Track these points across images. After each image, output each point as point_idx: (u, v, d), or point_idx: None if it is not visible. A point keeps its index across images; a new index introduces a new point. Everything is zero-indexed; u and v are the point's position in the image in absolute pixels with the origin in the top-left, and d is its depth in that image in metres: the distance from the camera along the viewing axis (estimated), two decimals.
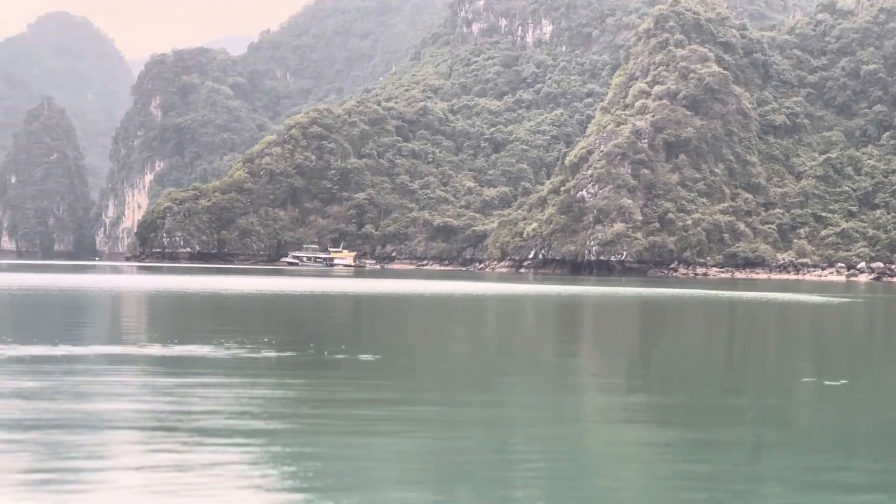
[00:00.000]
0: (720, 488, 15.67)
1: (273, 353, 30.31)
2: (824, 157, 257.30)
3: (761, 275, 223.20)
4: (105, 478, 14.93)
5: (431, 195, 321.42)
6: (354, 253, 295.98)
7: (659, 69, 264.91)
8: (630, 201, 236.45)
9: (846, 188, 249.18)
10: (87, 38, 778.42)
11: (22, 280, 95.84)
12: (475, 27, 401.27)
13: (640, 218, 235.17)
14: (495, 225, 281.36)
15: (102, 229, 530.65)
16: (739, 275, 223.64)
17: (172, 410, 19.60)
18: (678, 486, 15.72)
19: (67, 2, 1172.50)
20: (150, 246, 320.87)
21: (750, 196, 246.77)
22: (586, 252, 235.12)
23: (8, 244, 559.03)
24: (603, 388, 25.30)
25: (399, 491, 14.86)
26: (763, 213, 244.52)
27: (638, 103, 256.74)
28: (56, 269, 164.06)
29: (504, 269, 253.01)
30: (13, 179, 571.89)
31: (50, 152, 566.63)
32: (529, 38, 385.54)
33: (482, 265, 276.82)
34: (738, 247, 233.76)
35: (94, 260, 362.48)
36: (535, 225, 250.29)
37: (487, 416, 19.87)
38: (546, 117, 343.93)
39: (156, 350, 30.64)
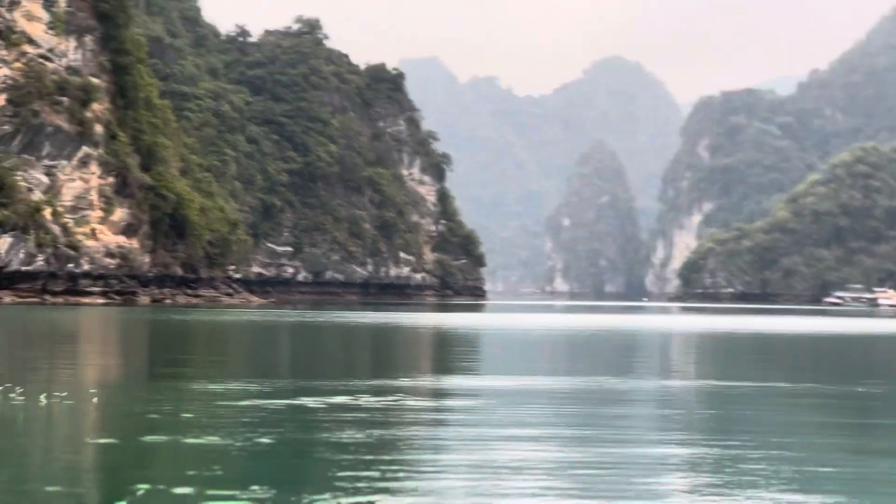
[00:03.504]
0: None
1: None
2: None
3: None
4: None
5: None
6: None
7: None
8: None
9: None
10: (639, 81, 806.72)
11: (580, 321, 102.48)
12: None
13: None
14: None
15: (652, 270, 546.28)
16: None
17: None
18: None
19: (622, 47, 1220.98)
20: (693, 286, 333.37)
21: None
22: None
23: (561, 285, 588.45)
24: None
25: None
26: None
27: None
28: (607, 309, 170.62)
29: None
30: (566, 222, 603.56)
31: (601, 194, 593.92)
32: None
33: None
34: None
35: (643, 301, 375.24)
36: None
37: None
38: None
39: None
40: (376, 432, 20.70)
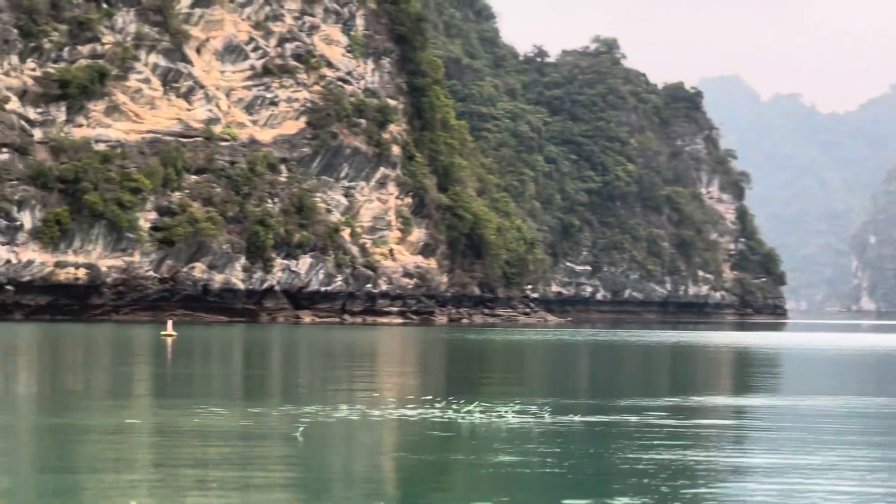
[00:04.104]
0: None
1: None
2: None
3: None
4: None
5: None
6: None
7: None
8: None
9: None
10: None
11: (888, 341, 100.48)
12: None
13: None
14: None
15: None
16: None
17: None
18: None
19: None
20: None
21: None
22: None
23: (868, 304, 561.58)
24: None
25: None
26: None
27: None
28: None
29: None
30: (872, 240, 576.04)
31: None
32: None
33: None
34: None
35: None
36: None
37: None
38: None
39: None
40: (675, 454, 19.52)
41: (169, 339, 65.38)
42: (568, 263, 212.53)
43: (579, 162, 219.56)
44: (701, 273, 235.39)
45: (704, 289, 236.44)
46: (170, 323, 74.17)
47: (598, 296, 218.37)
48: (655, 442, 21.22)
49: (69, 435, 21.70)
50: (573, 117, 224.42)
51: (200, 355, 57.45)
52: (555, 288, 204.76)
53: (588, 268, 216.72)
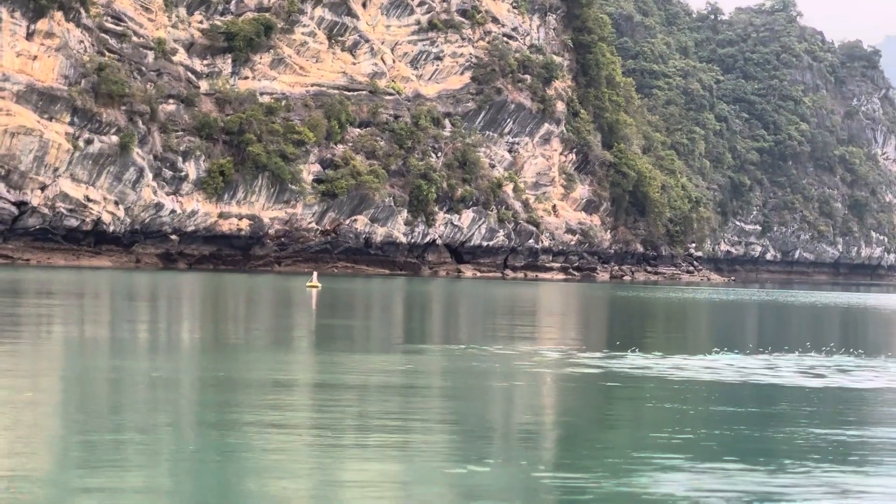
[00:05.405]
0: None
1: None
2: None
3: None
4: None
5: None
6: None
7: None
8: None
9: None
10: None
11: None
12: None
13: None
14: None
15: None
16: None
17: None
18: None
19: None
20: None
21: None
22: None
23: None
24: None
25: None
26: None
27: None
28: None
29: None
30: None
31: None
32: None
33: None
34: None
35: None
36: None
37: None
38: None
39: None
40: (839, 415, 18.61)
41: (314, 291, 63.60)
42: (737, 222, 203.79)
43: (751, 121, 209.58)
44: (875, 235, 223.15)
45: (878, 251, 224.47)
46: (315, 274, 73.35)
47: (768, 255, 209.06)
48: (819, 403, 20.55)
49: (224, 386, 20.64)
50: (746, 76, 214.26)
51: (346, 306, 54.92)
52: (724, 247, 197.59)
53: (758, 227, 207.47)
